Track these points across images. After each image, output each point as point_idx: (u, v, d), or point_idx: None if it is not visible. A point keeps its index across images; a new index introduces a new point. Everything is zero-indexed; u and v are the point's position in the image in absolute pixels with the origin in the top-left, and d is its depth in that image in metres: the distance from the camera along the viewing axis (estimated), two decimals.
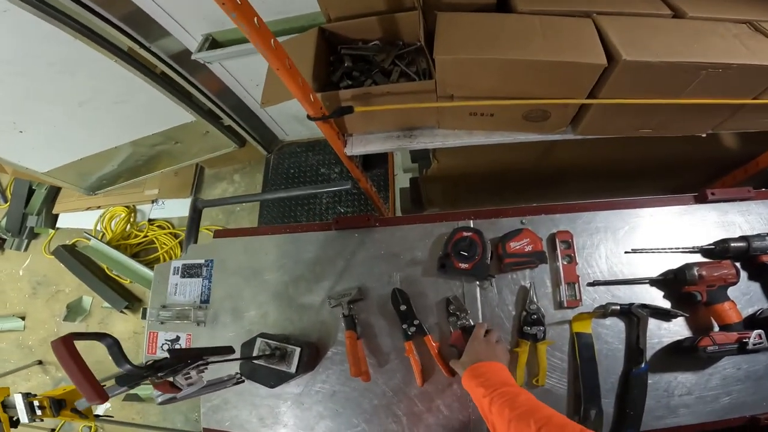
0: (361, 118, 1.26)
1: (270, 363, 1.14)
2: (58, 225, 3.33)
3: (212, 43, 1.90)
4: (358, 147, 1.36)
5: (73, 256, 3.05)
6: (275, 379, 1.13)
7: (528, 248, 1.14)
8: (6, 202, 3.49)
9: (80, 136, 2.30)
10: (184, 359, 0.83)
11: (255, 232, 1.41)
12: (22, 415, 1.53)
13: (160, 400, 0.92)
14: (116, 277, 2.97)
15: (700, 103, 1.10)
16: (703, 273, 1.03)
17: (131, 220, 3.15)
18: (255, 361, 1.14)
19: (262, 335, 1.17)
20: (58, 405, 1.55)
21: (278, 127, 2.80)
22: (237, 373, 1.13)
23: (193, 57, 1.90)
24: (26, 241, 3.34)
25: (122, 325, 2.87)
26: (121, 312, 2.84)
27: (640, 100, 1.08)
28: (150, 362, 0.78)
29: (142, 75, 1.89)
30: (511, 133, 1.28)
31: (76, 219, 3.29)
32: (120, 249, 2.97)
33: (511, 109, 1.17)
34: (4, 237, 3.37)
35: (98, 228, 3.18)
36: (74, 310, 2.97)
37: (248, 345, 1.15)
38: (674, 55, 1.00)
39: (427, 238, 1.26)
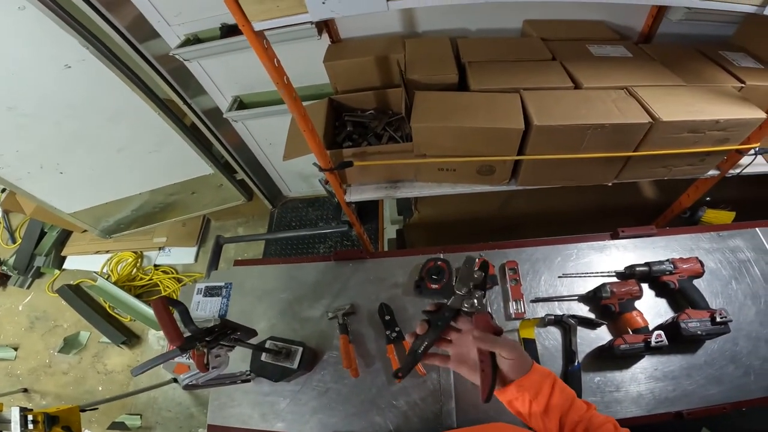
0: (358, 172, 1.59)
1: (276, 360, 1.32)
2: (64, 266, 3.48)
3: (240, 104, 2.24)
4: (356, 195, 1.67)
5: (77, 294, 3.20)
6: (279, 374, 1.31)
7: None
8: (14, 242, 3.69)
9: (112, 181, 2.54)
10: (228, 326, 1.08)
11: (268, 262, 1.67)
12: (15, 428, 1.65)
13: (185, 382, 1.12)
14: (117, 315, 3.12)
15: (595, 157, 1.42)
16: (614, 289, 1.28)
17: (138, 264, 3.35)
18: (262, 359, 1.32)
19: (271, 338, 1.37)
20: (51, 421, 1.68)
21: (284, 184, 3.09)
22: (247, 371, 1.34)
23: (224, 115, 2.22)
24: (30, 279, 3.47)
25: (117, 359, 2.98)
26: (119, 346, 2.96)
27: (551, 156, 1.41)
28: (204, 328, 1.03)
29: (176, 126, 2.18)
30: (470, 185, 1.61)
31: (84, 261, 3.46)
32: (124, 290, 3.13)
33: (467, 164, 1.51)
34: (10, 274, 3.49)
35: (104, 270, 3.36)
36: (70, 344, 3.07)
37: (259, 347, 1.31)
38: (568, 119, 1.33)
39: (406, 267, 1.53)
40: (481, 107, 1.42)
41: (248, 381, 1.35)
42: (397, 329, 1.41)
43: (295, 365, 1.32)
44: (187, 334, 1.00)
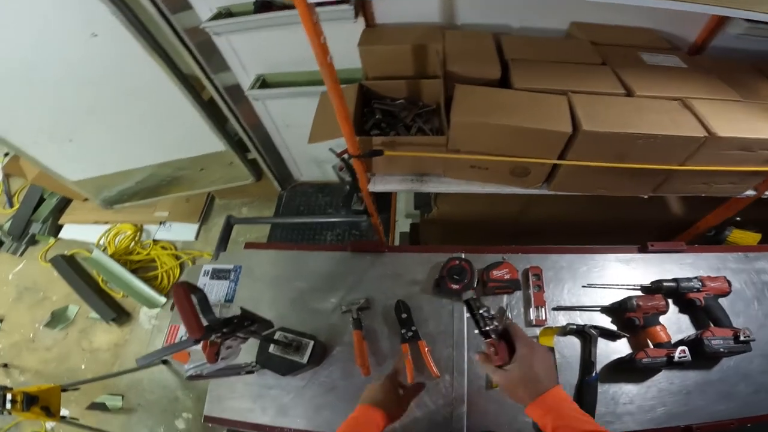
0: (385, 162, 1.53)
1: (285, 353, 1.27)
2: (60, 235, 3.41)
3: (263, 83, 2.19)
4: (380, 185, 1.61)
5: (70, 265, 3.13)
6: (287, 368, 1.26)
7: (507, 276, 1.37)
8: (12, 207, 3.61)
9: (122, 152, 2.49)
10: (247, 317, 1.02)
11: (281, 247, 1.61)
12: None
13: (189, 373, 1.06)
14: (109, 291, 3.05)
15: (639, 168, 1.36)
16: (640, 303, 1.27)
17: (136, 238, 3.28)
18: (270, 350, 1.26)
19: (281, 328, 1.31)
20: (31, 401, 1.62)
21: (295, 167, 3.03)
22: (252, 362, 1.27)
23: (246, 93, 2.17)
24: (24, 246, 3.39)
25: (104, 337, 2.89)
26: (108, 323, 2.88)
27: (594, 163, 1.35)
28: (222, 318, 0.96)
29: (193, 101, 2.12)
30: (500, 186, 1.55)
31: (81, 231, 3.39)
32: (120, 263, 3.06)
33: (501, 164, 1.45)
34: (3, 240, 3.42)
35: (101, 242, 3.29)
36: (57, 318, 2.99)
37: (268, 338, 1.28)
38: (619, 126, 1.27)
39: (426, 264, 1.48)
40: (526, 107, 1.36)
41: (252, 372, 1.29)
42: (413, 328, 1.36)
43: (305, 360, 1.26)
44: (203, 323, 0.92)
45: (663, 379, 1.27)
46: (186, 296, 0.90)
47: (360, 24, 1.77)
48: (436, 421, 1.26)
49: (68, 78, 1.95)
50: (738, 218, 1.78)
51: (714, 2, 0.87)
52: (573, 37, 1.76)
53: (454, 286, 1.38)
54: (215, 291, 1.54)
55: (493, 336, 0.91)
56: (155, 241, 3.27)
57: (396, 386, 1.11)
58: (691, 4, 0.87)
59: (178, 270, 3.13)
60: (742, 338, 1.19)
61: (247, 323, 1.03)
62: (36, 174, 3.03)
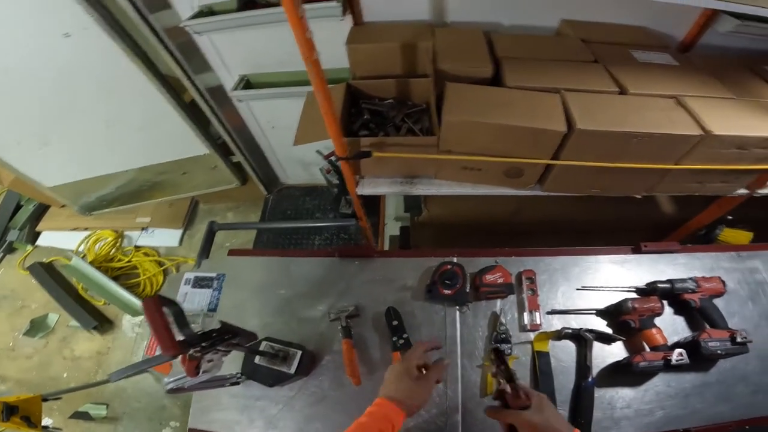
0: (373, 164, 1.48)
1: (271, 364, 1.23)
2: (38, 242, 3.30)
3: (246, 83, 2.14)
4: (368, 188, 1.56)
5: (49, 273, 3.03)
6: (274, 379, 1.22)
7: (500, 280, 1.35)
8: None
9: (99, 155, 2.40)
10: (228, 331, 0.97)
11: (266, 254, 1.57)
12: None
13: (169, 387, 1.02)
14: (89, 298, 2.94)
15: (634, 167, 1.35)
16: (636, 305, 1.26)
17: (117, 244, 3.18)
18: (256, 361, 1.22)
19: (267, 338, 1.27)
20: (10, 411, 1.56)
21: (282, 169, 2.97)
22: (237, 373, 1.23)
23: (229, 94, 2.12)
24: (1, 254, 3.27)
25: (86, 345, 2.80)
26: (89, 332, 2.78)
27: (589, 163, 1.34)
28: (201, 332, 0.92)
29: (174, 103, 2.06)
30: (493, 187, 1.52)
31: (59, 238, 3.29)
32: (100, 271, 2.96)
33: (495, 165, 1.42)
34: None
35: (81, 249, 3.19)
36: (37, 326, 2.88)
37: (253, 349, 1.24)
38: (614, 125, 1.26)
39: (417, 269, 1.45)
40: (519, 105, 1.34)
41: (237, 384, 1.25)
42: (405, 336, 1.32)
43: (293, 370, 1.23)
44: (180, 337, 0.87)
45: (660, 382, 1.25)
46: (157, 310, 0.86)
47: (348, 22, 1.73)
48: (430, 430, 1.23)
49: (40, 80, 1.88)
50: (729, 217, 1.78)
51: None
52: (563, 34, 1.74)
53: (447, 292, 1.36)
54: (197, 300, 1.49)
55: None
56: (137, 248, 3.18)
57: (412, 376, 1.02)
58: None
59: (162, 277, 3.04)
60: (739, 340, 1.19)
61: (227, 336, 0.99)
62: (12, 179, 2.91)
